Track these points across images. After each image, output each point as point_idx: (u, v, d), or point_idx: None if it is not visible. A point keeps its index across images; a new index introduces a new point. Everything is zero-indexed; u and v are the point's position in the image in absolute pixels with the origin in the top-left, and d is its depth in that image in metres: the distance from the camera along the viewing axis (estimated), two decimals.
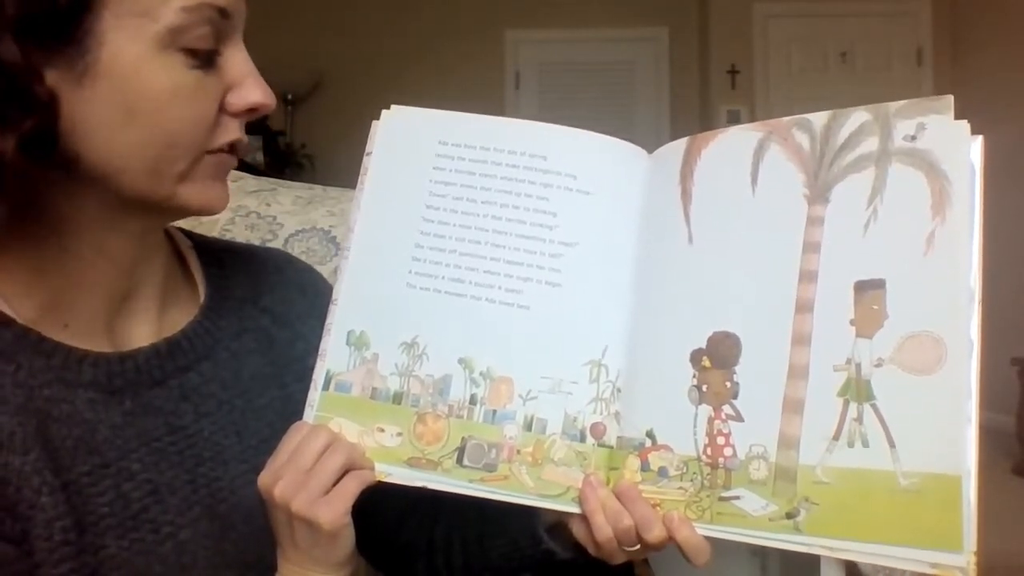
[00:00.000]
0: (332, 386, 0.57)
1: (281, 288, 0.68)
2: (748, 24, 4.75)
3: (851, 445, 0.48)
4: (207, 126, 0.52)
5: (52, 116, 0.46)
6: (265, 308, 0.66)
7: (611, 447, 0.55)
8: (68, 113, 0.47)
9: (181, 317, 0.60)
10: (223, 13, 0.50)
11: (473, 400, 0.56)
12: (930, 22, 4.71)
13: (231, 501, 0.57)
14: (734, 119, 4.55)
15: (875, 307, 0.49)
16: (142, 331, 0.57)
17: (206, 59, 0.50)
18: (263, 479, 0.53)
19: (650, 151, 0.60)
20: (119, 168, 0.50)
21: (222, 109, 0.52)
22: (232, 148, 0.54)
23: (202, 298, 0.62)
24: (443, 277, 0.58)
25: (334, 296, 0.59)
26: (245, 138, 0.55)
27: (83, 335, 0.54)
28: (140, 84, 0.48)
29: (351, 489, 0.53)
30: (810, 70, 4.74)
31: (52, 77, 0.46)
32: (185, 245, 0.65)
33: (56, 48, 0.46)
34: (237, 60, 0.52)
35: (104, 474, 0.52)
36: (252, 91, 0.53)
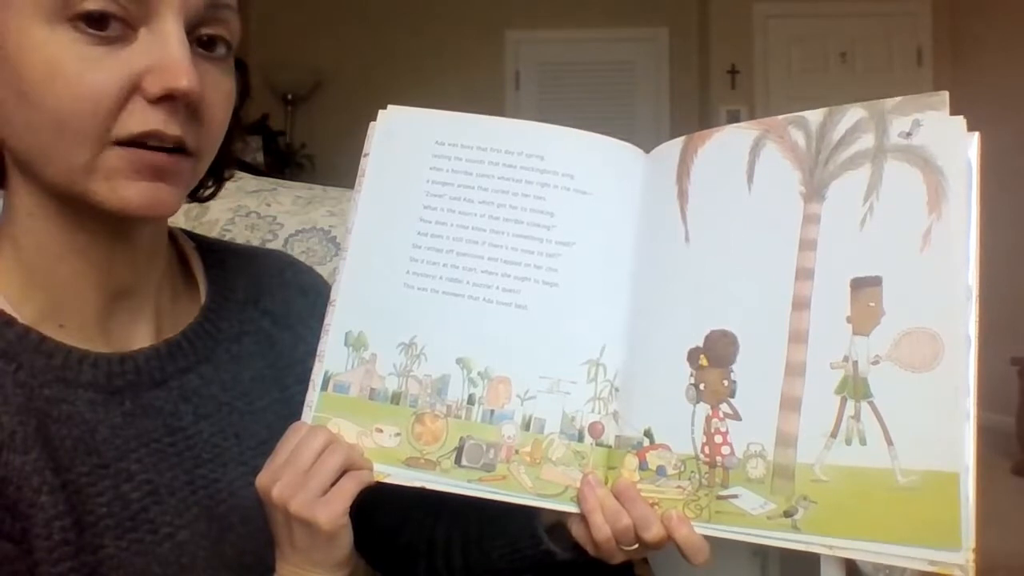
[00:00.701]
0: (330, 387, 0.57)
1: (282, 290, 0.68)
2: (748, 24, 4.75)
3: (849, 443, 0.48)
4: (102, 109, 0.46)
5: None
6: (266, 310, 0.66)
7: (609, 446, 0.55)
8: None
9: (182, 318, 0.60)
10: None
11: (471, 400, 0.56)
12: (930, 22, 4.70)
13: (230, 502, 0.57)
14: (734, 119, 4.53)
15: (872, 304, 0.49)
16: (142, 331, 0.57)
17: (118, 35, 0.46)
18: (261, 479, 0.53)
19: (649, 152, 0.60)
20: (24, 155, 0.49)
21: (137, 92, 0.47)
22: (150, 139, 0.47)
23: (203, 299, 0.62)
24: (440, 277, 0.58)
25: (332, 297, 0.59)
26: (173, 131, 0.48)
27: (78, 335, 0.54)
28: (23, 59, 0.45)
29: (349, 489, 0.53)
30: (810, 70, 4.73)
31: None
32: (189, 246, 0.65)
33: None
34: (159, 40, 0.46)
35: (103, 474, 0.52)
36: (166, 75, 0.46)
